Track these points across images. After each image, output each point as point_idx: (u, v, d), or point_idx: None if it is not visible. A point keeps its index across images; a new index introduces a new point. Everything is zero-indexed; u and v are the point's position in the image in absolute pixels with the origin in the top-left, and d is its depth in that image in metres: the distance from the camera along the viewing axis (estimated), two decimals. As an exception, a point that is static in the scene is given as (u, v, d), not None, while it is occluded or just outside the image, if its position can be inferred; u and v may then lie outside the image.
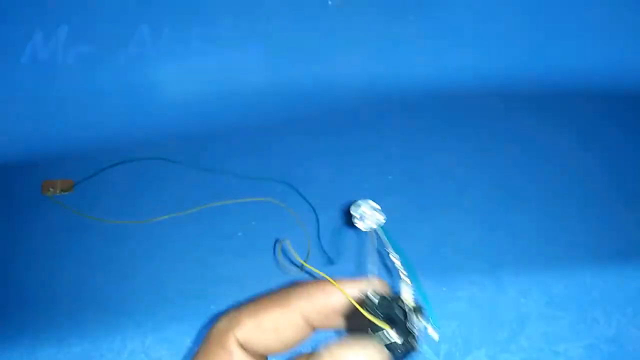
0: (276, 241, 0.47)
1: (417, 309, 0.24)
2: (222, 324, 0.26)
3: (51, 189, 0.51)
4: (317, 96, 0.59)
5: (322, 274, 0.25)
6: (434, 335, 0.24)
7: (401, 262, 0.25)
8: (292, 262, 0.39)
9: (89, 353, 0.42)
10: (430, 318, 0.24)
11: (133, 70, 0.58)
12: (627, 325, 0.44)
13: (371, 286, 0.25)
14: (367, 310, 0.23)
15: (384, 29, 0.61)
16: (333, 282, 0.25)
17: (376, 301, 0.24)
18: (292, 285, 0.26)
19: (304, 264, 0.29)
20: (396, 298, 0.24)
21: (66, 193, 0.51)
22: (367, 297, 0.24)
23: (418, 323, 0.23)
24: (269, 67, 0.60)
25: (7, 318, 0.44)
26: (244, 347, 0.26)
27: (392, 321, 0.23)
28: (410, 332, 0.23)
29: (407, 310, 0.24)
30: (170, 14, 0.58)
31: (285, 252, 0.41)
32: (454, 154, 0.54)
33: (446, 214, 0.50)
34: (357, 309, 0.23)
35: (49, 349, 0.43)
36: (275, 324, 0.25)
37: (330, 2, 0.59)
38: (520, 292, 0.45)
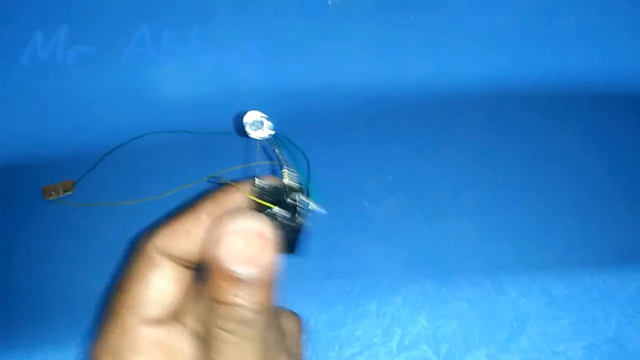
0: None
1: (297, 189, 0.30)
2: (142, 237, 0.31)
3: (53, 192, 0.51)
4: (316, 96, 0.59)
5: (224, 180, 0.31)
6: (319, 209, 0.30)
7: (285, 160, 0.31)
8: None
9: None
10: (311, 197, 0.30)
11: (133, 70, 0.58)
12: (627, 325, 0.44)
13: (262, 181, 0.30)
14: (257, 197, 0.29)
15: (384, 29, 0.61)
16: (230, 183, 0.30)
17: (264, 187, 0.29)
18: (200, 196, 0.30)
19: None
20: (281, 185, 0.30)
21: (69, 193, 0.51)
22: (255, 185, 0.30)
23: (300, 200, 0.30)
24: (269, 67, 0.59)
25: (7, 318, 0.44)
26: (163, 253, 0.29)
27: (277, 202, 0.29)
28: (294, 207, 0.29)
29: (287, 190, 0.29)
30: (170, 14, 0.58)
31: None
32: (454, 154, 0.54)
33: (446, 214, 0.50)
34: (255, 202, 0.29)
35: (49, 349, 0.43)
36: (186, 227, 0.29)
37: (330, 2, 0.59)
38: (520, 292, 0.45)
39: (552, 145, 0.56)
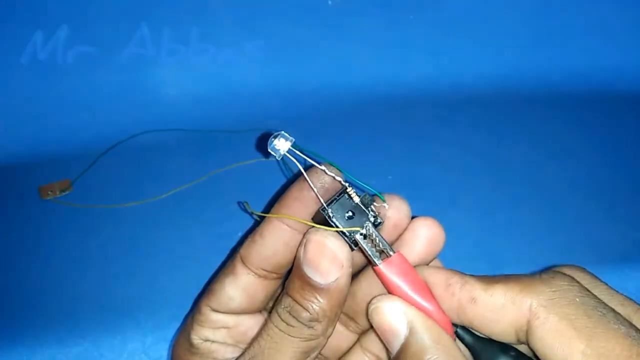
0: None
1: (366, 199, 0.30)
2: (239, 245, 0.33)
3: (50, 192, 0.51)
4: (316, 96, 0.59)
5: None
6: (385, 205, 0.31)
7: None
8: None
9: (89, 353, 0.42)
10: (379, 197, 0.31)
11: (133, 70, 0.58)
12: (627, 325, 0.44)
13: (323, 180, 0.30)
14: (332, 222, 0.29)
15: (384, 29, 0.61)
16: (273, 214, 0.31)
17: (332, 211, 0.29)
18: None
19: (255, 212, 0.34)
20: (346, 197, 0.29)
21: (66, 193, 0.51)
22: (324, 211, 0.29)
23: (373, 207, 0.30)
24: (269, 67, 0.60)
25: (7, 318, 0.44)
26: (244, 262, 0.32)
27: (353, 217, 0.29)
28: (371, 218, 0.29)
29: (359, 203, 0.29)
30: (170, 14, 0.58)
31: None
32: (454, 153, 0.54)
33: (446, 214, 0.50)
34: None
35: (49, 349, 0.43)
36: (263, 235, 0.31)
37: (330, 2, 0.59)
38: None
39: (552, 146, 0.56)
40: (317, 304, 0.29)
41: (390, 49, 0.61)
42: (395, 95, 0.59)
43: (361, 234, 0.29)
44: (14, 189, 0.52)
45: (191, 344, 0.33)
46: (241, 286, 0.32)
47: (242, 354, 0.31)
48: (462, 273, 0.28)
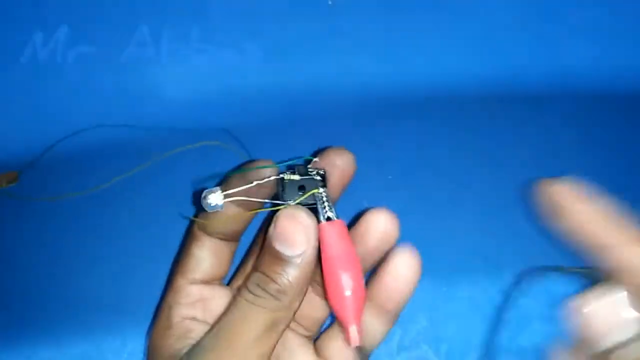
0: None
1: (300, 170, 0.33)
2: (192, 221, 0.36)
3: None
4: (316, 96, 0.59)
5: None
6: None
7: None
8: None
9: (89, 353, 0.42)
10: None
11: (133, 70, 0.58)
12: (627, 325, 0.44)
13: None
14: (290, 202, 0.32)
15: (384, 29, 0.61)
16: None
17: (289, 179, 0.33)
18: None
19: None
20: (286, 182, 0.33)
21: (13, 184, 0.51)
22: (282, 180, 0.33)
23: (309, 168, 0.33)
24: (269, 67, 0.60)
25: (7, 318, 0.44)
26: (203, 231, 0.35)
27: (303, 188, 0.32)
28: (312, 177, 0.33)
29: (298, 177, 0.33)
30: (170, 14, 0.58)
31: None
32: (454, 153, 0.54)
33: (446, 214, 0.50)
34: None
35: (49, 349, 0.43)
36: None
37: (330, 2, 0.59)
38: (520, 292, 0.45)
39: (552, 146, 0.56)
40: (285, 276, 0.30)
41: (390, 49, 0.61)
42: (395, 95, 0.59)
43: (318, 196, 0.32)
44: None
45: (169, 325, 0.34)
46: (207, 247, 0.35)
47: (211, 328, 0.32)
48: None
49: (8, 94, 0.57)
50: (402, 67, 0.60)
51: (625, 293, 0.27)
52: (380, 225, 0.34)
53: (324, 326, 0.39)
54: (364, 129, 0.56)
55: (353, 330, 0.31)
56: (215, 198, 0.32)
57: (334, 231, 0.31)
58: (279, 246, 0.30)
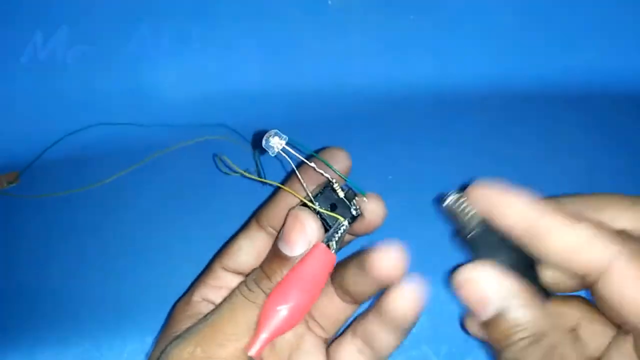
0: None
1: (348, 192, 0.33)
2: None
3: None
4: (316, 96, 0.59)
5: (268, 181, 0.36)
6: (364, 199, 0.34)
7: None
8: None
9: (89, 353, 0.42)
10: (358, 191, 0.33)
11: (133, 69, 0.58)
12: (627, 325, 0.44)
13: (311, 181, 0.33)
14: (315, 206, 0.32)
15: (384, 29, 0.61)
16: (281, 186, 0.34)
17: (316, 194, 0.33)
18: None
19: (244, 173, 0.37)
20: (330, 190, 0.33)
21: (13, 184, 0.51)
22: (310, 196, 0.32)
23: (355, 201, 0.33)
24: (269, 67, 0.60)
25: (7, 318, 0.44)
26: (260, 223, 0.36)
27: (334, 207, 0.33)
28: (350, 208, 0.33)
29: (342, 195, 0.33)
30: (170, 14, 0.58)
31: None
32: (454, 154, 0.54)
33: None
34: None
35: (49, 349, 0.43)
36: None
37: (330, 2, 0.59)
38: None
39: (552, 146, 0.56)
40: (280, 275, 0.31)
41: (390, 49, 0.61)
42: (395, 96, 0.59)
43: (340, 224, 0.32)
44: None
45: (188, 302, 0.35)
46: (253, 240, 0.36)
47: (205, 315, 0.32)
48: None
49: (8, 94, 0.57)
50: (403, 67, 0.60)
51: (495, 265, 0.30)
52: (389, 264, 0.34)
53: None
54: (363, 129, 0.56)
55: (260, 340, 0.30)
56: (276, 142, 0.32)
57: (322, 258, 0.31)
58: (281, 244, 0.31)
